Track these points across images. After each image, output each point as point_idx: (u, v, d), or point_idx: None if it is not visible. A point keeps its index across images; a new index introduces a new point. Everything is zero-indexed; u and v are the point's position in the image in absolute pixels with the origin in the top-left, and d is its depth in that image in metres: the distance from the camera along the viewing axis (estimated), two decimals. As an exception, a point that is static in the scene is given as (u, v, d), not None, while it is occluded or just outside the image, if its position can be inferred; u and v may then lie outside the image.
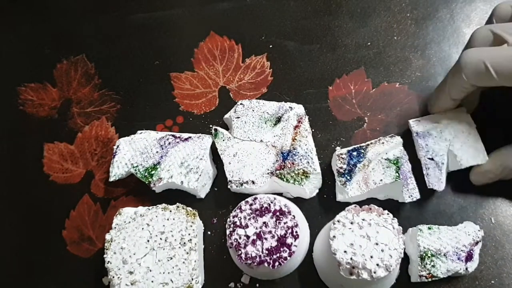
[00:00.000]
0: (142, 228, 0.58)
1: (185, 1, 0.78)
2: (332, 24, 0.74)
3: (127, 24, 0.74)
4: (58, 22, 0.78)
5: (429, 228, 0.58)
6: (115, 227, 0.59)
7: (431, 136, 0.62)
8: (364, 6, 0.75)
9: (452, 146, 0.61)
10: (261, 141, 0.64)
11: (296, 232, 0.57)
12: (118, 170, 0.64)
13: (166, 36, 0.75)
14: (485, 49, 0.54)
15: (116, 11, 0.77)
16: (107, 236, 0.59)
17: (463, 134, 0.61)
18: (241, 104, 0.66)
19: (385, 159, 0.61)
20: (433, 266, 0.56)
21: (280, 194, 0.64)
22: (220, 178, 0.66)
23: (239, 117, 0.65)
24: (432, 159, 0.61)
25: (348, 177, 0.61)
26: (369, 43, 0.72)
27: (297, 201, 0.64)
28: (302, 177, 0.61)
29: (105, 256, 0.58)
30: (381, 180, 0.60)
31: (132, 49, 0.75)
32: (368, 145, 0.63)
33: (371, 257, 0.54)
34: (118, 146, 0.65)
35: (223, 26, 0.75)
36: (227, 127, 0.68)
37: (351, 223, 0.56)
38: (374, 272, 0.53)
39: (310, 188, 0.62)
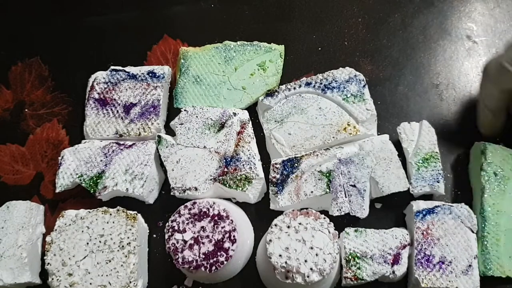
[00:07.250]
0: (82, 231, 0.59)
1: (139, 4, 0.78)
2: (284, 29, 0.74)
3: (81, 27, 0.74)
4: (13, 24, 0.78)
5: (356, 231, 0.59)
6: (56, 229, 0.59)
7: (353, 163, 0.62)
8: (317, 11, 0.75)
9: (374, 173, 0.61)
10: (204, 147, 0.64)
11: (234, 236, 0.57)
12: (64, 181, 0.64)
13: (120, 39, 0.75)
14: (502, 53, 0.58)
15: (70, 13, 0.77)
16: (48, 238, 0.59)
17: (385, 161, 0.62)
18: (185, 110, 0.66)
19: (318, 171, 0.62)
20: (359, 268, 0.56)
21: (230, 199, 0.65)
22: (168, 182, 0.66)
23: (182, 124, 0.65)
24: (354, 186, 0.61)
25: (280, 187, 0.62)
26: (320, 48, 0.73)
27: (244, 205, 0.65)
28: (245, 182, 0.62)
29: (45, 257, 0.58)
30: (311, 192, 0.61)
31: (85, 51, 0.75)
32: (303, 156, 0.63)
33: (305, 261, 0.54)
34: (62, 157, 0.65)
35: (177, 30, 0.75)
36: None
37: (288, 227, 0.56)
38: (308, 276, 0.54)
39: (254, 193, 0.63)
